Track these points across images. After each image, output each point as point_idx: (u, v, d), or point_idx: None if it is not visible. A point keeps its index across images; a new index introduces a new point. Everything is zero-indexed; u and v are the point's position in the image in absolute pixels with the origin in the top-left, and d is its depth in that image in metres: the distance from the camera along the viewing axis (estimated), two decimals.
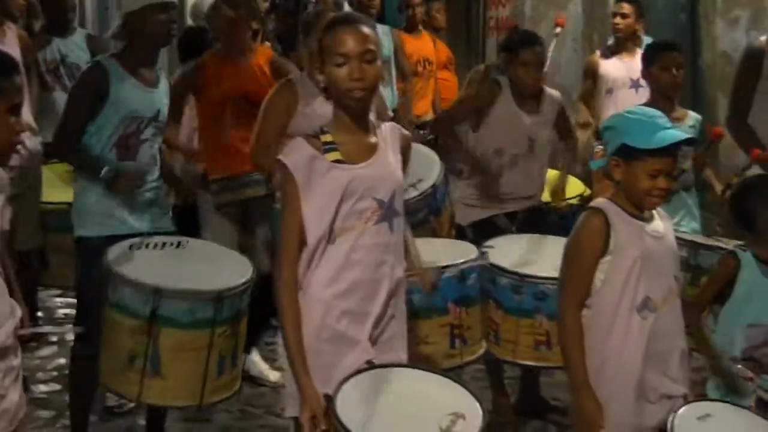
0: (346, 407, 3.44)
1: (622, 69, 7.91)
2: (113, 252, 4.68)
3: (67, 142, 5.11)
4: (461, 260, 4.96)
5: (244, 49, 6.25)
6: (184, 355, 4.47)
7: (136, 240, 4.84)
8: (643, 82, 7.56)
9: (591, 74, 8.10)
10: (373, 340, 3.71)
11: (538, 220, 5.86)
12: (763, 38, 6.10)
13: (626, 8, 8.01)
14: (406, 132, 3.90)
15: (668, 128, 3.73)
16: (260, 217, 6.17)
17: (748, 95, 5.93)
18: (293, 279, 3.63)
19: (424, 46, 9.35)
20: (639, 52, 7.67)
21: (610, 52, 8.10)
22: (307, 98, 5.18)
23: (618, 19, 8.03)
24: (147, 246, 4.82)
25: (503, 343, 5.16)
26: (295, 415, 3.78)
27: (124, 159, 5.08)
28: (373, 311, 3.69)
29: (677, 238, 5.26)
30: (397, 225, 3.73)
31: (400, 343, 3.81)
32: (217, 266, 4.80)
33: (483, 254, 5.16)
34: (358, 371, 3.60)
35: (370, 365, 3.65)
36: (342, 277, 3.65)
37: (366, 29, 3.65)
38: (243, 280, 4.61)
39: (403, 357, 3.80)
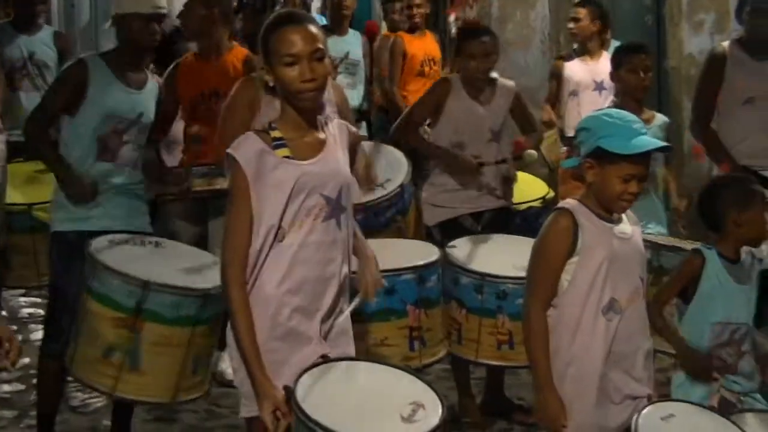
0: (307, 399, 3.44)
1: (585, 71, 7.94)
2: (96, 244, 4.69)
3: (32, 127, 5.15)
4: (421, 262, 4.96)
5: (218, 47, 6.25)
6: (163, 350, 4.48)
7: (117, 236, 4.86)
8: (607, 84, 7.67)
9: (556, 77, 8.12)
10: (323, 336, 3.72)
11: (504, 221, 5.88)
12: (725, 43, 6.17)
13: (581, 12, 8.05)
14: (353, 129, 3.94)
15: (644, 134, 3.74)
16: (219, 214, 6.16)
17: (710, 100, 6.00)
18: (242, 277, 3.62)
19: (427, 45, 9.33)
20: (605, 55, 7.76)
21: (575, 55, 8.13)
22: (267, 97, 5.17)
23: (571, 24, 8.09)
24: (127, 242, 4.85)
25: (466, 343, 5.18)
26: (250, 416, 3.74)
27: (103, 159, 5.10)
28: (322, 308, 3.70)
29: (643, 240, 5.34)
30: (345, 221, 3.74)
31: (348, 339, 3.83)
32: (197, 266, 4.80)
33: (445, 254, 5.18)
34: (315, 365, 3.61)
35: (326, 359, 3.66)
36: (291, 275, 3.64)
37: (312, 27, 3.66)
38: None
39: (351, 352, 3.82)
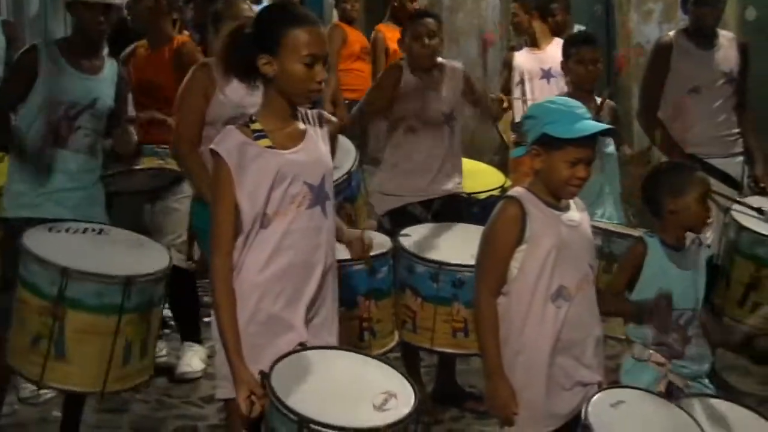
0: (281, 384, 3.46)
1: (533, 60, 7.94)
2: (31, 232, 4.66)
3: None
4: (371, 253, 4.95)
5: (166, 38, 6.23)
6: (89, 338, 4.42)
7: (58, 223, 4.83)
8: (555, 72, 7.71)
9: (507, 65, 8.12)
10: (306, 324, 3.74)
11: (455, 209, 5.86)
12: (671, 33, 6.24)
13: (515, 7, 8.20)
14: (332, 118, 3.99)
15: (588, 118, 3.77)
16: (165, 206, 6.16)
17: (657, 89, 6.07)
18: (227, 267, 3.65)
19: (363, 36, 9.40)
20: (555, 42, 7.79)
21: (525, 44, 8.15)
22: (221, 84, 5.15)
23: (517, 18, 8.17)
24: (68, 230, 4.80)
25: (421, 331, 5.18)
26: (226, 397, 3.80)
27: (55, 145, 5.09)
28: (306, 295, 3.72)
29: (591, 226, 5.37)
30: (329, 209, 3.79)
31: (331, 328, 3.85)
32: (134, 254, 4.76)
33: (398, 242, 5.18)
34: (292, 352, 3.63)
35: (303, 347, 3.68)
36: (275, 262, 3.68)
37: (321, 24, 3.74)
38: (155, 268, 4.58)
39: (333, 341, 3.84)
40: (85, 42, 5.23)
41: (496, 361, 3.75)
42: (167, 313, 6.71)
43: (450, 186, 5.90)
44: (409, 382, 3.59)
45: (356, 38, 9.57)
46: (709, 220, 4.61)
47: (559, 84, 7.59)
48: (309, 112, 3.83)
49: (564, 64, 6.00)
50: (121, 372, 4.52)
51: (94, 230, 4.88)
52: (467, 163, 6.29)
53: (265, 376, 3.51)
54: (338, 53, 9.25)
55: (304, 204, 3.70)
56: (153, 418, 5.71)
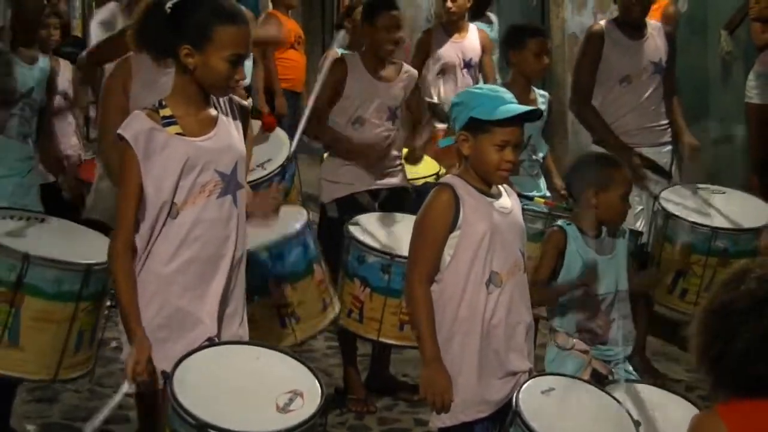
0: (184, 385, 3.44)
1: (454, 50, 7.92)
2: None
3: None
4: (274, 237, 4.79)
5: None
6: (44, 326, 4.38)
7: (2, 210, 4.77)
8: (474, 62, 7.71)
9: (423, 51, 8.02)
10: (216, 317, 3.72)
11: (401, 200, 5.87)
12: (602, 22, 6.28)
13: None
14: (244, 103, 3.93)
15: (513, 102, 3.79)
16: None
17: (589, 77, 6.11)
18: (127, 249, 3.64)
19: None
20: (470, 30, 7.78)
21: (443, 28, 8.06)
22: (142, 74, 5.09)
23: (449, 3, 7.93)
24: (12, 218, 4.75)
25: (367, 322, 5.17)
26: (133, 391, 3.76)
27: None
28: (214, 287, 3.70)
29: (534, 210, 5.37)
30: (241, 198, 3.75)
31: (240, 319, 3.84)
32: (83, 243, 4.73)
33: (347, 232, 5.17)
34: (197, 349, 3.61)
35: (211, 342, 3.66)
36: (182, 253, 3.66)
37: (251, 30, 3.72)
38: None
39: (243, 333, 3.83)
40: (23, 31, 5.18)
41: (433, 348, 3.75)
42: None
43: (398, 180, 5.93)
44: (317, 378, 3.58)
45: (291, 27, 9.54)
46: (638, 208, 4.66)
47: (476, 74, 7.63)
48: (220, 97, 3.77)
49: (511, 55, 5.96)
50: (73, 360, 4.50)
51: (36, 219, 4.84)
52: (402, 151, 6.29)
53: (167, 376, 3.48)
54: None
55: (215, 193, 3.67)
56: (84, 408, 5.65)
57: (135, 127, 3.63)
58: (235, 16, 3.64)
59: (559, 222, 4.45)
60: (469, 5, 7.95)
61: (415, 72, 6.08)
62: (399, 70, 5.93)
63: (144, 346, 3.57)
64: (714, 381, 2.45)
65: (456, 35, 7.94)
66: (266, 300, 4.71)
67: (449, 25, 8.00)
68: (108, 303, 6.57)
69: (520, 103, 3.87)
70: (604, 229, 4.41)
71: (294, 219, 4.98)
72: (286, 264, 4.80)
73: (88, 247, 4.62)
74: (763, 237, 5.19)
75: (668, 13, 7.51)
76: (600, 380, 4.19)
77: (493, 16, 9.06)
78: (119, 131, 3.63)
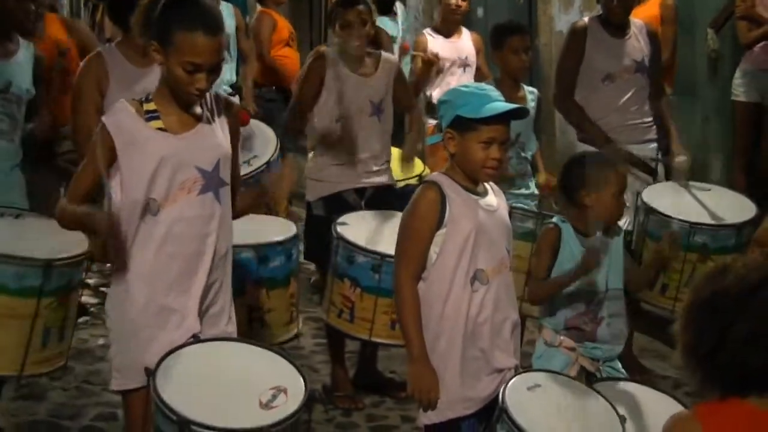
0: (167, 382, 3.45)
1: (450, 49, 7.96)
2: None
3: None
4: (263, 240, 4.85)
5: None
6: (7, 321, 4.35)
7: None
8: (470, 61, 7.75)
9: (422, 51, 8.05)
10: (201, 314, 3.72)
11: (387, 198, 5.82)
12: (586, 19, 6.28)
13: None
14: (232, 100, 3.93)
15: (500, 100, 3.79)
16: None
17: (572, 73, 6.11)
18: (70, 209, 3.70)
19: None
20: (464, 32, 7.85)
21: (436, 32, 8.11)
22: (117, 69, 5.08)
23: (459, 1, 8.00)
24: None
25: (358, 322, 5.15)
26: (120, 388, 3.79)
27: None
28: (196, 284, 3.70)
29: (524, 209, 5.38)
30: (224, 195, 3.74)
31: (228, 317, 3.84)
32: (53, 238, 4.70)
33: (336, 233, 5.15)
34: (182, 345, 3.61)
35: (195, 339, 3.66)
36: (165, 250, 3.67)
37: (221, 35, 3.65)
38: (75, 252, 4.54)
39: (231, 330, 3.83)
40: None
41: (419, 346, 3.75)
42: (89, 299, 6.66)
43: (384, 178, 5.89)
44: (301, 374, 3.59)
45: (284, 24, 9.53)
46: (627, 204, 4.65)
47: (473, 74, 7.65)
48: (207, 95, 3.76)
49: (494, 55, 5.99)
50: (40, 356, 4.47)
51: (11, 215, 4.82)
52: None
53: (150, 372, 3.48)
54: (269, 40, 9.18)
55: (195, 190, 3.67)
56: (72, 406, 5.62)
57: (118, 117, 3.64)
58: (199, 24, 3.59)
59: (554, 219, 4.45)
60: (466, 6, 8.07)
61: (394, 58, 6.03)
62: (378, 61, 5.84)
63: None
64: (703, 378, 2.45)
65: (452, 35, 8.02)
66: (240, 299, 4.65)
67: (446, 25, 8.06)
68: (93, 301, 6.67)
69: (508, 101, 3.87)
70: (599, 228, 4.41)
71: (284, 229, 5.03)
72: (267, 268, 4.81)
73: (61, 242, 4.61)
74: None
75: (666, 3, 7.51)
76: (588, 377, 4.20)
77: (399, 7, 9.34)
78: (103, 119, 3.66)
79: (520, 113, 3.82)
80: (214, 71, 3.63)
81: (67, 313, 4.54)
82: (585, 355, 4.29)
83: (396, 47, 9.01)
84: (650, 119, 6.12)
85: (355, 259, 5.13)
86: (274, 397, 3.47)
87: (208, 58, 3.59)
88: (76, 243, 4.65)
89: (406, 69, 7.33)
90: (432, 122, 6.96)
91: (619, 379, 4.22)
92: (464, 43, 7.99)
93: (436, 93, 7.84)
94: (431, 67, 6.89)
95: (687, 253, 5.35)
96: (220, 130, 3.76)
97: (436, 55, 7.03)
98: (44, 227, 4.85)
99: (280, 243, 4.93)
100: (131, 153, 3.61)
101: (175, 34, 3.58)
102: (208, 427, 3.33)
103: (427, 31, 8.24)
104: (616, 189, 4.36)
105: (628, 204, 5.66)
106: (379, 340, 5.25)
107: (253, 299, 4.82)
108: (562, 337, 4.31)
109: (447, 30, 8.06)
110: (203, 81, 3.60)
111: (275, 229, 5.12)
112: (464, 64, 7.89)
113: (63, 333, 4.54)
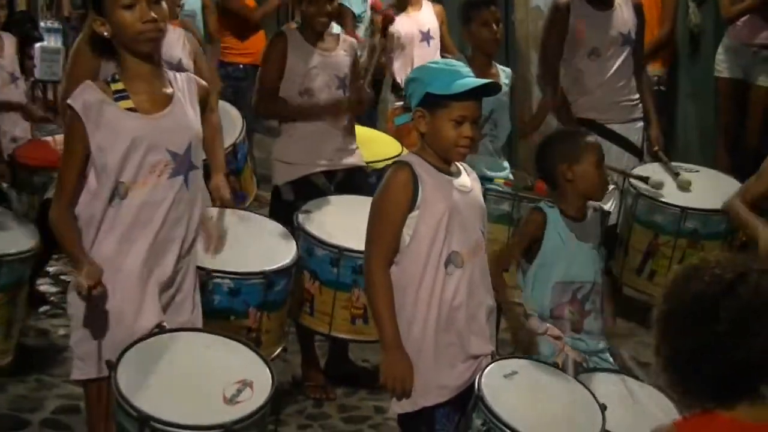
0: (128, 375, 3.36)
1: (410, 24, 7.95)
2: None
3: None
4: (273, 267, 4.67)
5: None
6: None
7: None
8: (433, 34, 7.70)
9: (383, 30, 7.95)
10: (165, 302, 3.64)
11: (357, 181, 5.69)
12: None
13: None
14: (203, 82, 3.83)
15: (471, 76, 3.67)
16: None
17: (556, 51, 5.96)
18: (66, 216, 3.56)
19: None
20: (425, 4, 7.78)
21: (395, 8, 8.04)
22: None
23: None
24: None
25: (318, 315, 5.05)
26: (81, 377, 3.69)
27: None
28: (164, 272, 3.61)
29: (499, 191, 5.24)
30: (193, 179, 3.66)
31: (192, 303, 3.74)
32: (4, 234, 4.59)
33: (297, 222, 5.01)
34: (144, 337, 3.51)
35: (160, 329, 3.56)
36: (131, 235, 3.57)
37: None
38: (24, 248, 4.41)
39: (196, 320, 3.74)
40: None
41: (392, 333, 3.64)
42: (49, 288, 6.51)
43: (355, 160, 5.73)
44: (269, 368, 3.51)
45: (251, 2, 9.40)
46: (610, 187, 4.52)
47: (437, 47, 7.56)
48: (178, 75, 3.69)
49: (464, 29, 5.84)
50: None
51: None
52: (365, 131, 6.17)
53: (112, 366, 3.37)
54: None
55: (165, 173, 3.58)
56: (31, 398, 5.47)
57: (85, 97, 3.54)
58: None
59: (541, 204, 4.29)
60: None
61: (353, 40, 5.97)
62: (338, 39, 5.76)
63: (93, 271, 3.43)
64: (685, 390, 2.29)
65: (410, 8, 8.01)
66: (241, 321, 4.58)
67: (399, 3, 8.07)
68: (53, 289, 6.53)
69: (480, 78, 3.75)
70: (589, 212, 4.27)
71: (289, 250, 4.83)
72: (272, 293, 4.67)
73: (12, 237, 4.52)
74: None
75: None
76: (574, 367, 4.08)
77: None
78: (69, 101, 3.55)
79: (491, 88, 3.71)
80: (155, 2, 3.52)
81: (15, 308, 4.42)
82: (571, 346, 4.16)
83: (361, 26, 8.88)
84: (636, 97, 5.99)
85: (314, 251, 4.99)
86: (239, 391, 3.38)
87: None
88: (26, 237, 4.53)
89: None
90: (398, 104, 6.86)
91: (605, 370, 4.11)
92: (425, 16, 7.96)
93: (398, 67, 7.74)
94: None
95: (677, 239, 5.26)
96: (191, 112, 3.67)
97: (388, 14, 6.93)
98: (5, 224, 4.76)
99: (287, 267, 4.73)
100: (100, 136, 3.51)
101: None
102: (168, 423, 3.24)
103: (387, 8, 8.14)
104: (595, 158, 4.24)
105: (612, 185, 5.52)
106: (339, 335, 5.13)
107: (253, 321, 4.65)
108: (547, 325, 4.18)
109: (403, 4, 8.04)
110: (146, 12, 3.50)
111: (282, 251, 4.87)
112: (427, 38, 7.84)
113: (10, 329, 4.41)
